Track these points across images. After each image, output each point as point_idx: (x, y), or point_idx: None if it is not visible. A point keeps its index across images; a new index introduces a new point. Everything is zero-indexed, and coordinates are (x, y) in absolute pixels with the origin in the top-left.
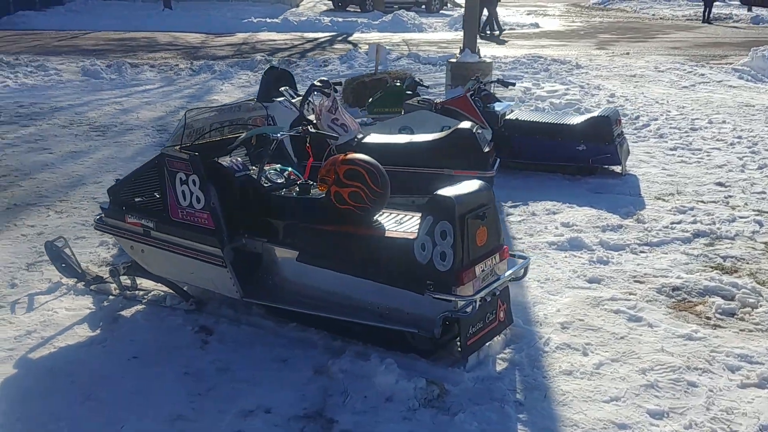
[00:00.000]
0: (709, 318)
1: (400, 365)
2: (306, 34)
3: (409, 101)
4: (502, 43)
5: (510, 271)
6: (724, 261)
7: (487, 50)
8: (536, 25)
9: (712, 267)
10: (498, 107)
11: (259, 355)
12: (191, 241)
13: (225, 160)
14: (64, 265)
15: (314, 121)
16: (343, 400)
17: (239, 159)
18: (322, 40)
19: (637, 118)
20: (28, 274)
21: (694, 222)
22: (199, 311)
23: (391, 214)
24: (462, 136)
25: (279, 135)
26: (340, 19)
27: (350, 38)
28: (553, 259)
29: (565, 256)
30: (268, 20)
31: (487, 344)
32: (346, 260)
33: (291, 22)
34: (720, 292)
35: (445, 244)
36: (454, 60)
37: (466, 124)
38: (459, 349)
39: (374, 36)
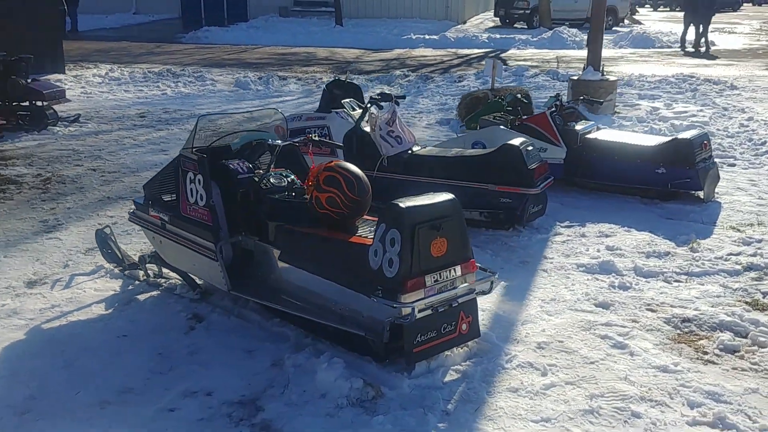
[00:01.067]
0: (705, 353)
1: (347, 365)
2: (460, 51)
3: (486, 116)
4: (712, 58)
5: (465, 285)
6: (764, 297)
7: (642, 68)
8: (712, 43)
9: (744, 302)
10: (579, 126)
11: (232, 344)
12: (193, 234)
13: (233, 163)
14: (108, 251)
15: (369, 132)
16: (282, 392)
17: (247, 163)
18: (473, 56)
19: (764, 143)
20: (83, 258)
21: (754, 255)
22: (201, 300)
23: (372, 221)
24: (507, 152)
25: (277, 142)
26: (498, 36)
27: (502, 54)
28: (574, 280)
29: (587, 279)
30: (427, 37)
31: (444, 354)
32: (315, 262)
33: (448, 39)
34: (735, 328)
35: (392, 252)
36: (575, 77)
37: (515, 141)
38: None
39: (528, 52)
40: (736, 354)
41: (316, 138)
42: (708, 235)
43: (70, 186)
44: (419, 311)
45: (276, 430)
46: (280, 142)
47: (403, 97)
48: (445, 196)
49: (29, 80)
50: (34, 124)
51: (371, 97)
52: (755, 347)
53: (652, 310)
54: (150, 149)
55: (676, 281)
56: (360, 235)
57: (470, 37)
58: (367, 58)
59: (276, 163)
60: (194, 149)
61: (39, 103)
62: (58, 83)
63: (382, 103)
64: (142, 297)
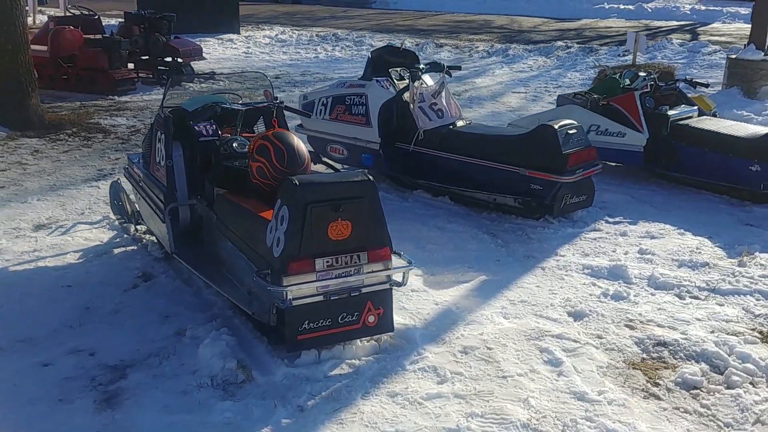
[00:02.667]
0: (657, 385)
1: (237, 343)
2: (654, 23)
3: (564, 94)
4: None
5: (373, 273)
6: None
7: None
8: None
9: (758, 332)
10: (675, 111)
11: (155, 307)
12: (153, 193)
13: (199, 125)
14: (118, 203)
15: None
16: (159, 362)
17: (213, 126)
18: (663, 29)
19: None
20: (102, 207)
21: None
22: (162, 260)
23: None
24: (541, 134)
25: (238, 107)
26: (704, 8)
27: (700, 29)
28: (566, 283)
29: (583, 283)
30: (622, 7)
31: (345, 345)
32: (234, 233)
33: (645, 10)
34: (715, 360)
35: (281, 230)
36: (733, 56)
37: (554, 123)
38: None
39: (734, 27)
40: (692, 392)
41: (284, 107)
42: None
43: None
44: (306, 296)
45: (121, 400)
46: (238, 106)
47: (458, 68)
48: (358, 177)
49: (171, 38)
50: None
51: (414, 67)
52: (720, 387)
53: (631, 327)
54: None
55: (693, 297)
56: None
57: (671, 8)
58: (543, 28)
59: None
60: (162, 107)
61: (180, 60)
62: (197, 42)
63: (431, 74)
64: (117, 250)
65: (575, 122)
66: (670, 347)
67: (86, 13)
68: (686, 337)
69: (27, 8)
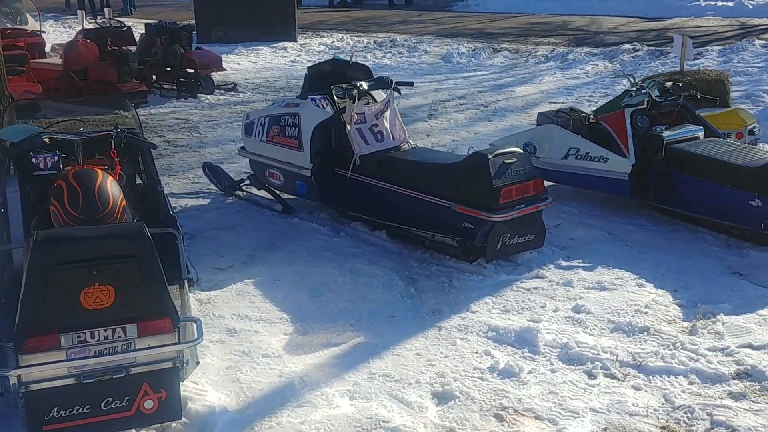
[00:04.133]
0: None
1: None
2: (753, 20)
3: (544, 112)
4: None
5: (148, 351)
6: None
7: None
8: None
9: (661, 427)
10: (673, 131)
11: None
12: None
13: (38, 156)
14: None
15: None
16: None
17: (55, 157)
18: (761, 27)
19: None
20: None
21: None
22: None
23: None
24: (471, 166)
25: (72, 137)
26: None
27: None
28: (457, 350)
29: (476, 352)
30: (720, 3)
31: None
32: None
33: (746, 6)
34: None
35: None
36: None
37: (490, 150)
38: None
39: None
40: None
41: (125, 134)
42: (752, 309)
43: None
44: (51, 379)
45: None
46: (72, 136)
47: (409, 84)
48: (129, 230)
49: (193, 48)
50: (189, 90)
51: (350, 84)
52: None
53: (499, 419)
54: None
55: (608, 376)
56: None
57: None
58: (624, 29)
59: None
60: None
61: (201, 72)
62: (215, 54)
63: (380, 91)
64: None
65: (518, 150)
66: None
67: (117, 25)
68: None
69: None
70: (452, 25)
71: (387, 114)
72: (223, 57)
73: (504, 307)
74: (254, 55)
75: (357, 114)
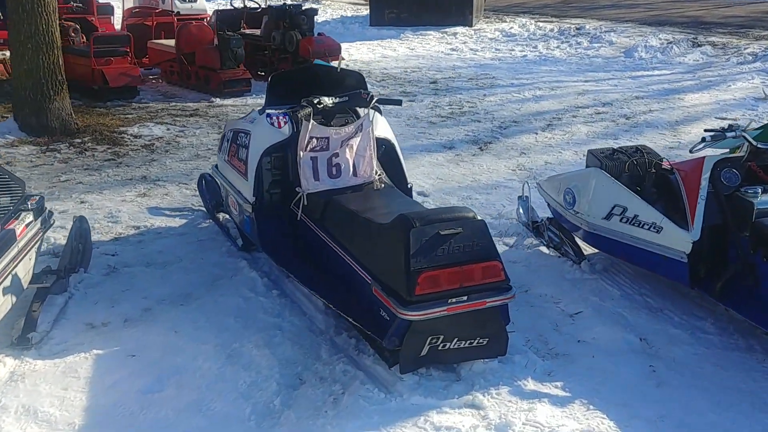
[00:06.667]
0: None
1: None
2: None
3: (598, 149)
4: None
5: None
6: None
7: None
8: None
9: None
10: None
11: None
12: None
13: None
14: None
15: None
16: None
17: None
18: None
19: None
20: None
21: None
22: None
23: None
24: (390, 231)
25: None
26: None
27: None
28: None
29: None
30: None
31: None
32: None
33: None
34: None
35: None
36: None
37: (421, 212)
38: None
39: None
40: None
41: None
42: None
43: (173, 146)
44: None
45: None
46: None
47: (397, 102)
48: None
49: (315, 35)
50: None
51: (307, 100)
52: None
53: None
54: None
55: None
56: None
57: None
58: None
59: None
60: None
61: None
62: (335, 41)
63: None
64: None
65: (470, 215)
66: None
67: (252, 6)
68: None
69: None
70: (666, 11)
71: (355, 141)
72: (384, 42)
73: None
74: (418, 40)
75: (318, 138)
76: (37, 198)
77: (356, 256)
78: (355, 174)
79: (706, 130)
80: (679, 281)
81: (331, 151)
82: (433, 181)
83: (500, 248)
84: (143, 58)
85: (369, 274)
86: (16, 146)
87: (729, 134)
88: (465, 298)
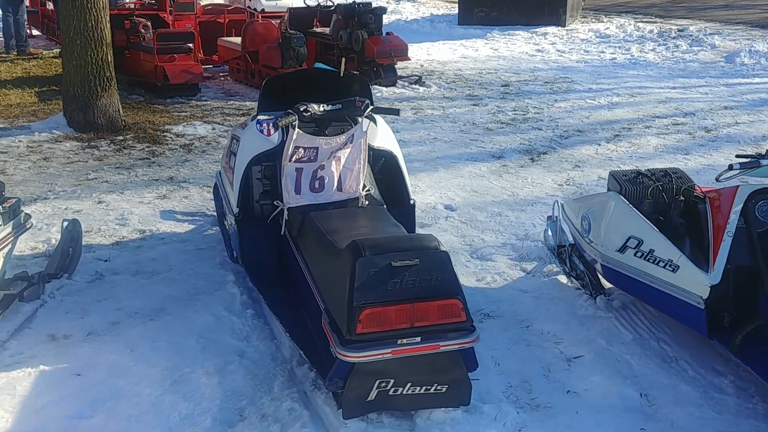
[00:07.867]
0: None
1: None
2: None
3: (621, 171)
4: None
5: None
6: None
7: None
8: None
9: None
10: None
11: None
12: None
13: None
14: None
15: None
16: None
17: None
18: None
19: None
20: None
21: None
22: None
23: None
24: (339, 259)
25: None
26: None
27: None
28: None
29: None
30: None
31: None
32: None
33: None
34: None
35: None
36: None
37: (373, 240)
38: None
39: None
40: None
41: None
42: None
43: (212, 146)
44: None
45: None
46: None
47: (395, 111)
48: None
49: (384, 34)
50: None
51: (293, 107)
52: None
53: None
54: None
55: None
56: None
57: None
58: None
59: None
60: None
61: (378, 61)
62: (402, 41)
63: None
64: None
65: (433, 244)
66: None
67: (326, 4)
68: None
69: None
70: None
71: (344, 153)
72: (469, 42)
73: None
74: (504, 40)
75: (305, 148)
76: (13, 201)
77: (316, 281)
78: (339, 189)
79: (737, 156)
80: (696, 329)
81: (319, 162)
82: (467, 193)
83: (515, 274)
84: (213, 55)
85: (323, 302)
86: (60, 141)
87: (764, 162)
88: (418, 339)
